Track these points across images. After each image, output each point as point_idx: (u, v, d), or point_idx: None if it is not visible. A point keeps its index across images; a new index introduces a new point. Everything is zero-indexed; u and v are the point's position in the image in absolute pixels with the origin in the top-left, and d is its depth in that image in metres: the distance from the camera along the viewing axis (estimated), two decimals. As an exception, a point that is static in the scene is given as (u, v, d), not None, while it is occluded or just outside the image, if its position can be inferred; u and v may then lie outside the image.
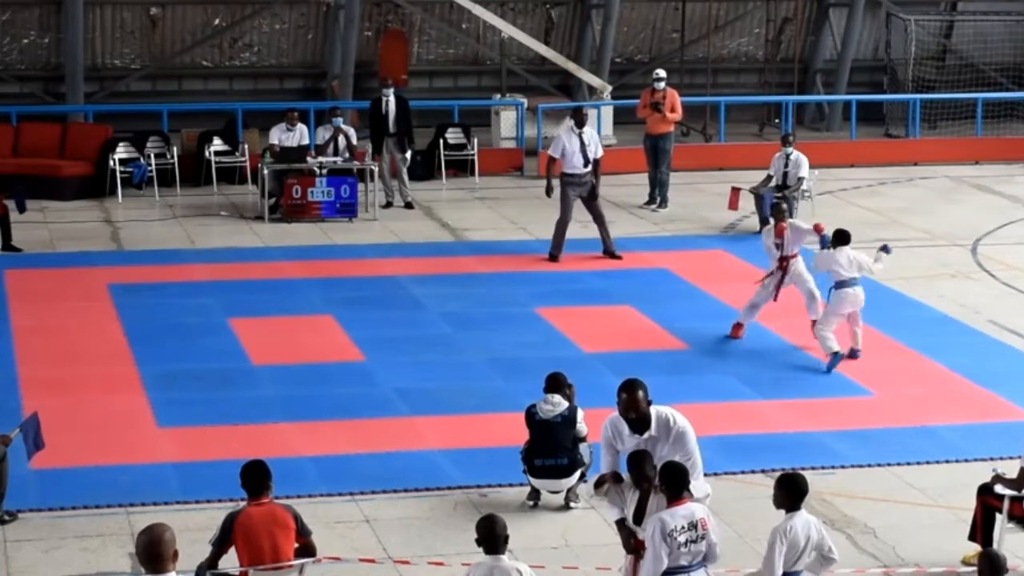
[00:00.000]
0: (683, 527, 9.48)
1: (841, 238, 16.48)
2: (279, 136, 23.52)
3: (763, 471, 13.31)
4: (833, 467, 13.60)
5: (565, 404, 12.60)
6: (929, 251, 21.59)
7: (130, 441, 13.98)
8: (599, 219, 20.82)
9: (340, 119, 23.86)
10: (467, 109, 27.77)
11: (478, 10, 28.57)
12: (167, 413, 14.64)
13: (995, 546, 11.14)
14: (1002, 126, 30.55)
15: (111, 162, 24.23)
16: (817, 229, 16.97)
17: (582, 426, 12.63)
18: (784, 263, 17.04)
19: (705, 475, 10.58)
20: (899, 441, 14.26)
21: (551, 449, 12.52)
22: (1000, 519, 11.46)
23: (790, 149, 22.50)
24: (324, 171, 23.04)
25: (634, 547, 9.97)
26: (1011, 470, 11.63)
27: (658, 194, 24.17)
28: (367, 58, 30.04)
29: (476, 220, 23.18)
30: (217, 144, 25.29)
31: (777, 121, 30.08)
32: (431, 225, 22.88)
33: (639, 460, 10.01)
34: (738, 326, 17.25)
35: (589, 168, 20.64)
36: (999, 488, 11.47)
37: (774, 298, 17.13)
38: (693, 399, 14.45)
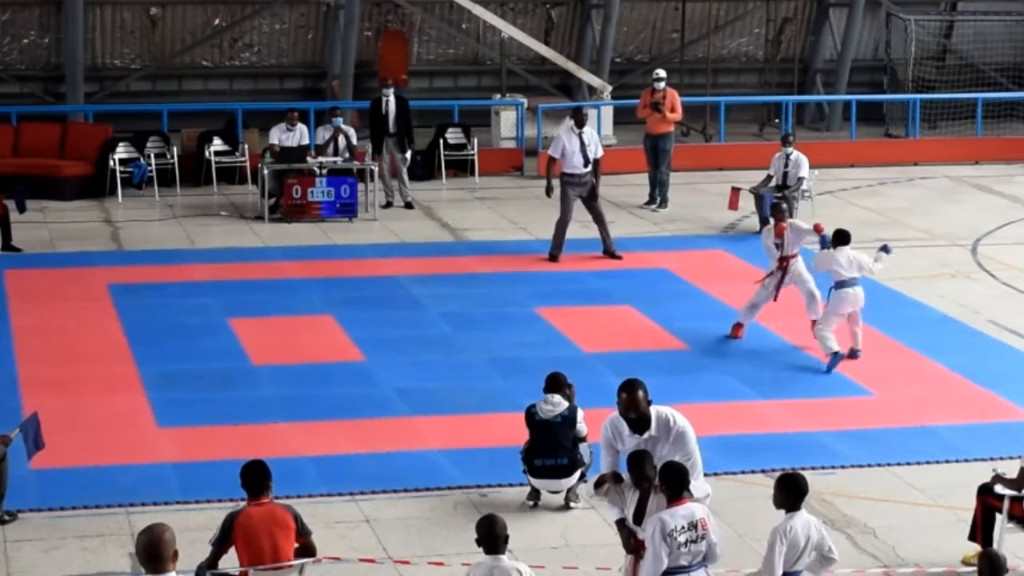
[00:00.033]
0: (683, 527, 9.48)
1: (841, 238, 16.49)
2: (279, 136, 23.52)
3: (763, 471, 13.31)
4: (833, 467, 13.59)
5: (565, 404, 12.60)
6: (929, 251, 21.59)
7: (130, 441, 13.98)
8: (599, 219, 20.82)
9: (340, 119, 23.86)
10: (467, 109, 27.78)
11: (478, 10, 28.57)
12: (167, 413, 14.64)
13: (995, 546, 11.14)
14: (1002, 126, 30.55)
15: (111, 162, 24.23)
16: (817, 229, 16.98)
17: (582, 426, 12.63)
18: (784, 263, 17.04)
19: (705, 475, 10.59)
20: (899, 441, 14.26)
21: (551, 449, 12.52)
22: (1000, 519, 11.46)
23: (790, 149, 22.51)
24: (324, 171, 23.04)
25: (634, 547, 9.97)
26: (1011, 470, 11.63)
27: (658, 194, 24.18)
28: (367, 58, 30.04)
29: (476, 220, 23.18)
30: (217, 144, 25.29)
31: (777, 121, 30.08)
32: (431, 225, 22.88)
33: (639, 460, 10.01)
34: (738, 326, 17.26)
35: (589, 168, 20.63)
36: (999, 488, 11.47)
37: (774, 298, 17.13)
38: (693, 399, 14.45)
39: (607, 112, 28.19)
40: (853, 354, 16.48)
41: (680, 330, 17.50)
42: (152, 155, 24.76)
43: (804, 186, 22.48)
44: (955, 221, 23.48)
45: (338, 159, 23.40)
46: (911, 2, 32.40)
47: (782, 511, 9.71)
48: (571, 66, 29.18)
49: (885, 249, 16.92)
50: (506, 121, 27.49)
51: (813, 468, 13.29)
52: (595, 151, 20.66)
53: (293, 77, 30.60)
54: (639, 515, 9.98)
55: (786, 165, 22.38)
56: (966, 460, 13.72)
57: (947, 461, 13.82)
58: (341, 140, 23.61)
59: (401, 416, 14.72)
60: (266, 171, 22.88)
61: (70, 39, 27.58)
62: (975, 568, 9.61)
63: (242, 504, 10.16)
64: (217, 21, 29.64)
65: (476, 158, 26.32)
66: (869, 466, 13.66)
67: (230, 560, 10.06)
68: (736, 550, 11.38)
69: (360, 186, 23.25)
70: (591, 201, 20.74)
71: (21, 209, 21.27)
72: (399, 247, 21.46)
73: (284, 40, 30.24)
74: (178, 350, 16.57)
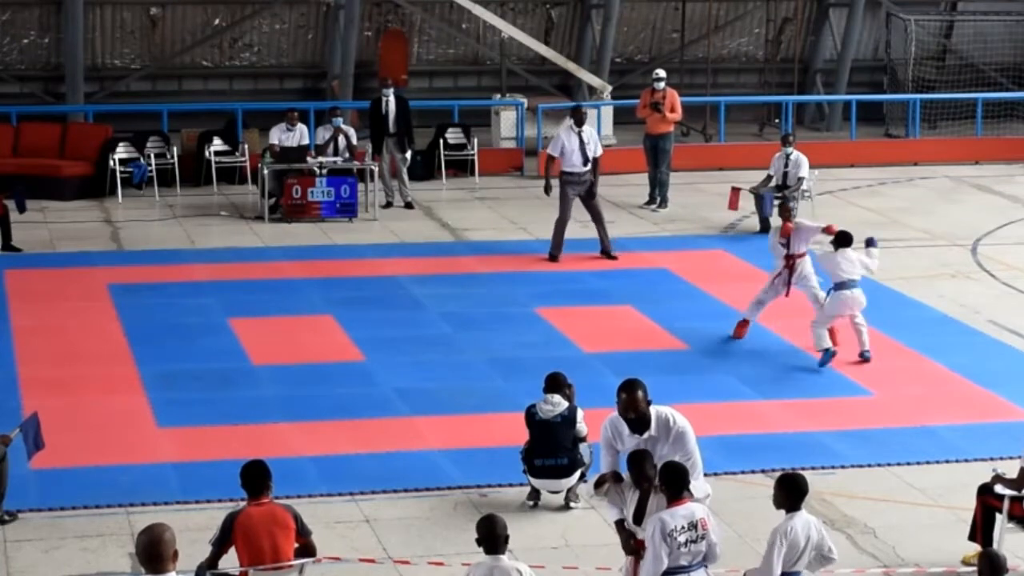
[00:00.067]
0: (683, 527, 9.48)
1: (842, 240, 16.47)
2: (279, 136, 23.52)
3: (763, 471, 13.31)
4: (833, 467, 13.59)
5: (565, 404, 12.60)
6: (929, 251, 21.59)
7: (130, 441, 13.98)
8: (597, 218, 20.81)
9: (340, 119, 23.86)
10: (467, 109, 27.78)
11: (478, 10, 28.57)
12: (167, 413, 14.64)
13: (995, 546, 11.14)
14: (1002, 126, 30.55)
15: (111, 162, 24.23)
16: (829, 231, 16.90)
17: (582, 426, 12.63)
18: (791, 261, 17.00)
19: (705, 475, 10.59)
20: (899, 441, 14.25)
21: (551, 449, 12.52)
22: (1000, 519, 11.46)
23: (790, 149, 22.51)
24: (324, 171, 23.04)
25: (634, 548, 9.97)
26: (1011, 470, 11.63)
27: (658, 194, 24.18)
28: (367, 58, 30.04)
29: (476, 220, 23.18)
30: (217, 144, 25.29)
31: (777, 121, 30.08)
32: (431, 225, 22.88)
33: (639, 459, 10.01)
34: (743, 324, 17.19)
35: (588, 167, 20.64)
36: (999, 488, 11.47)
37: (785, 294, 17.08)
38: (693, 399, 14.45)
39: (607, 112, 28.19)
40: (863, 357, 16.35)
41: (680, 330, 17.50)
42: (152, 155, 24.76)
43: (804, 186, 22.48)
44: (955, 221, 23.48)
45: (338, 159, 23.40)
46: (911, 2, 32.40)
47: (782, 511, 9.71)
48: (571, 66, 29.18)
49: (871, 243, 16.86)
50: (506, 121, 27.49)
51: (813, 468, 13.29)
52: (594, 150, 20.66)
53: (293, 77, 30.60)
54: (639, 515, 9.98)
55: (786, 165, 22.38)
56: (966, 460, 13.72)
57: (947, 461, 13.82)
58: (341, 140, 23.61)
59: (401, 416, 14.72)
60: (266, 171, 22.88)
61: (70, 39, 27.59)
62: (975, 568, 9.61)
63: (242, 504, 10.16)
64: (217, 21, 29.64)
65: (476, 158, 26.32)
66: (869, 466, 13.66)
67: (230, 560, 10.06)
68: (736, 550, 11.38)
69: (360, 186, 23.25)
70: (589, 200, 20.74)
71: (21, 209, 21.27)
72: (399, 247, 21.46)
73: (284, 40, 30.25)
74: (178, 350, 16.57)
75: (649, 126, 24.32)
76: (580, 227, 21.19)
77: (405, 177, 24.02)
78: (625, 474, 10.15)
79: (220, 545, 10.02)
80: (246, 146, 25.33)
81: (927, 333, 17.62)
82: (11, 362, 16.11)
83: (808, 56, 32.36)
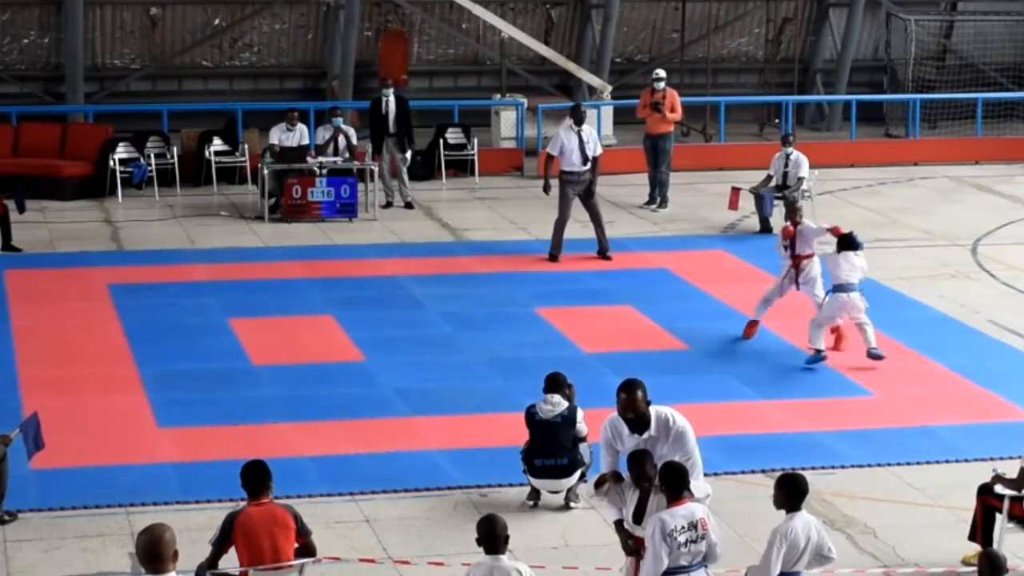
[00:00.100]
0: (683, 527, 9.48)
1: (846, 243, 16.43)
2: (279, 136, 23.52)
3: (763, 471, 13.31)
4: (833, 467, 13.59)
5: (565, 404, 12.60)
6: (929, 251, 21.58)
7: (130, 441, 13.98)
8: (595, 218, 20.80)
9: (340, 119, 23.86)
10: (467, 109, 27.78)
11: (478, 10, 28.57)
12: (167, 413, 14.64)
13: (995, 546, 11.14)
14: (1002, 126, 30.55)
15: (111, 162, 24.23)
16: (834, 232, 16.88)
17: (582, 426, 12.62)
18: (798, 261, 16.98)
19: (705, 475, 10.58)
20: (899, 441, 14.25)
21: (551, 449, 12.52)
22: (1000, 519, 11.46)
23: (790, 149, 22.52)
24: (324, 171, 23.04)
25: (634, 548, 9.97)
26: (1011, 470, 11.63)
27: (658, 194, 24.17)
28: (367, 58, 30.04)
29: (476, 220, 23.18)
30: (217, 144, 25.29)
31: (777, 121, 30.08)
32: (431, 225, 22.88)
33: (639, 459, 10.01)
34: (753, 324, 17.15)
35: (588, 166, 20.63)
36: (999, 488, 11.47)
37: (796, 287, 17.07)
38: (693, 399, 14.44)
39: (607, 112, 28.19)
40: (876, 356, 16.21)
41: (680, 330, 17.50)
42: (152, 155, 24.76)
43: (804, 186, 22.48)
44: (955, 221, 23.48)
45: (338, 159, 23.40)
46: (911, 2, 32.41)
47: (782, 511, 9.71)
48: (571, 66, 29.18)
49: (853, 242, 16.70)
50: (506, 121, 27.49)
51: (813, 468, 13.29)
52: (594, 149, 20.66)
53: (293, 77, 30.61)
54: (639, 515, 9.98)
55: (786, 165, 22.38)
56: (966, 460, 13.72)
57: (947, 461, 13.81)
58: (341, 140, 23.61)
59: (401, 416, 14.72)
60: (266, 171, 22.88)
61: (70, 39, 27.59)
62: (975, 568, 9.61)
63: (242, 504, 10.16)
64: (217, 21, 29.64)
65: (476, 158, 26.32)
66: (869, 466, 13.65)
67: (230, 560, 10.06)
68: (736, 550, 11.37)
69: (360, 186, 23.25)
70: (587, 199, 20.74)
71: (21, 209, 21.28)
72: (399, 247, 21.45)
73: (284, 40, 30.25)
74: (178, 350, 16.57)
75: (649, 126, 24.32)
76: (580, 227, 21.19)
77: (405, 177, 24.02)
78: (625, 474, 10.16)
79: (220, 545, 10.02)
80: (246, 146, 25.33)
81: (927, 333, 17.62)
82: (11, 362, 16.11)
83: (808, 56, 32.37)
